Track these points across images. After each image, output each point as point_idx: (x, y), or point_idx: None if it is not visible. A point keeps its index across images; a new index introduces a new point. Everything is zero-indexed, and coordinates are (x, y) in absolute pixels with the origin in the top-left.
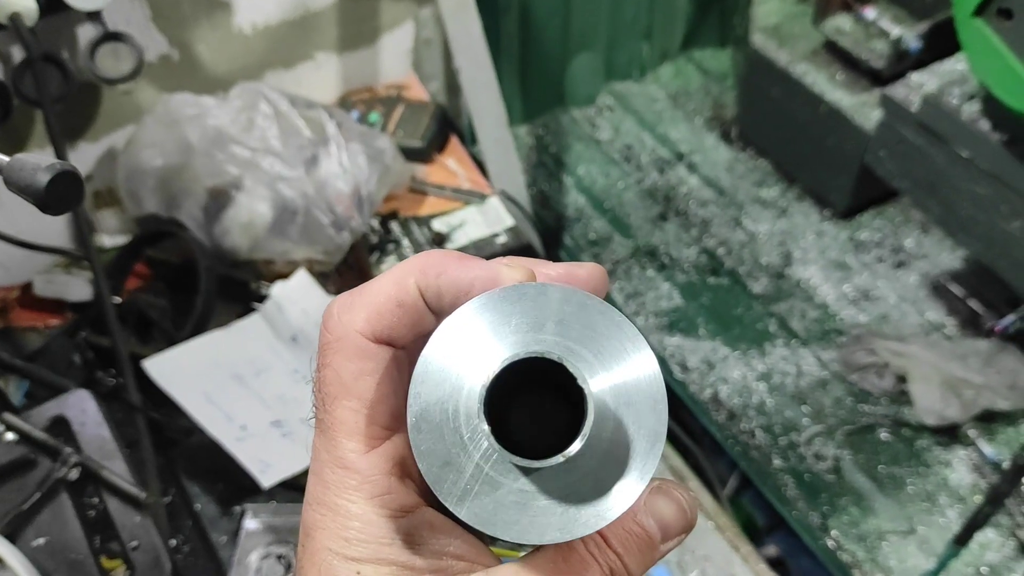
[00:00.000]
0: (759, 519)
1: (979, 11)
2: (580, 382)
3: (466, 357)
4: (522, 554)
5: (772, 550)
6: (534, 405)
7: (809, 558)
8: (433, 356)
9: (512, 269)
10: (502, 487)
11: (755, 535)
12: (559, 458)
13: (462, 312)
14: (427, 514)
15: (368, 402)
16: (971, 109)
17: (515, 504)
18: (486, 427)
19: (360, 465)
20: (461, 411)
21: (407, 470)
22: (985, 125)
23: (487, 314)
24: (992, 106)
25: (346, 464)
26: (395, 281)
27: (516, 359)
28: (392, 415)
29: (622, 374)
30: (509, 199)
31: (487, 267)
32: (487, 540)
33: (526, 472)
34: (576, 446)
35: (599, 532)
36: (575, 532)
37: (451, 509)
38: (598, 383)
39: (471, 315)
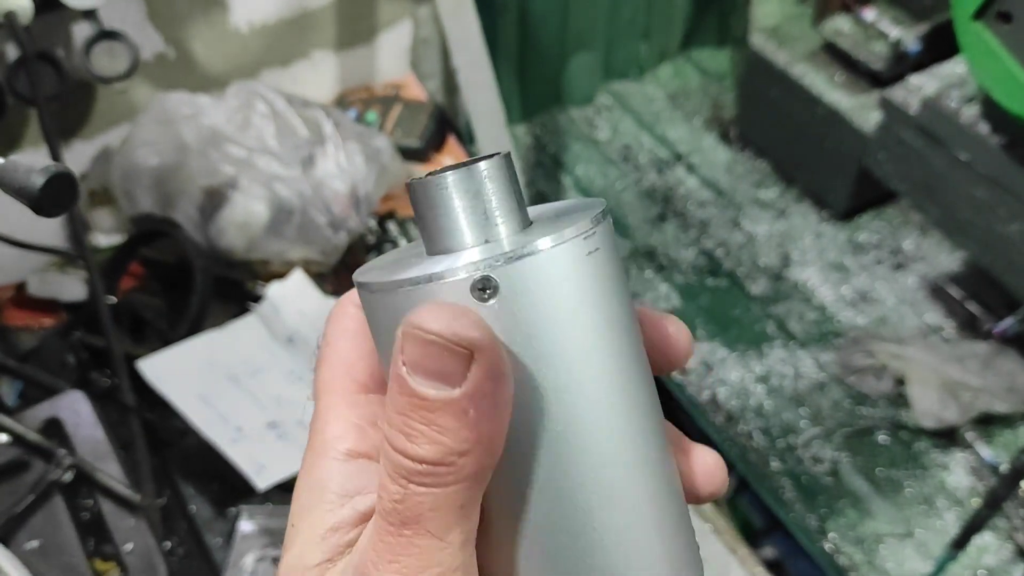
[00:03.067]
0: (757, 521)
1: (979, 14)
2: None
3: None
4: None
5: (769, 552)
6: None
7: (807, 561)
8: None
9: None
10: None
11: (752, 537)
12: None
13: None
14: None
15: (346, 359)
16: (970, 112)
17: (400, 262)
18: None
19: (329, 416)
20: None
21: (371, 424)
22: (984, 128)
23: None
24: (992, 109)
25: (318, 419)
26: None
27: (450, 165)
28: (371, 373)
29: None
30: None
31: None
32: None
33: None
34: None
35: None
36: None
37: (360, 284)
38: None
39: None
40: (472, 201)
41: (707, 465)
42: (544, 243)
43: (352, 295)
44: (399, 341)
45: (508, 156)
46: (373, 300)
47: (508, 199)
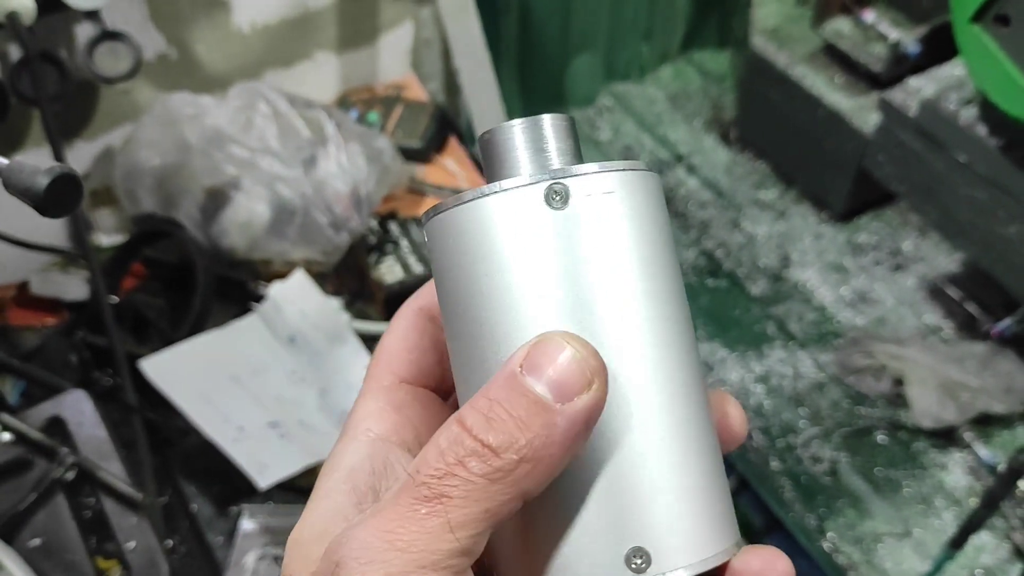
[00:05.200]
0: (756, 521)
1: (977, 17)
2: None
3: None
4: None
5: None
6: None
7: (806, 560)
8: None
9: None
10: None
11: (752, 537)
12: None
13: None
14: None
15: (390, 351)
16: (968, 114)
17: None
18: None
19: (359, 402)
20: None
21: (395, 409)
22: (982, 130)
23: None
24: (990, 112)
25: (353, 406)
26: None
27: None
28: (410, 365)
29: None
30: None
31: None
32: None
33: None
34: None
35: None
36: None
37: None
38: None
39: None
40: (521, 146)
41: (731, 411)
42: (560, 173)
43: (411, 301)
44: (528, 345)
45: (559, 117)
46: (431, 227)
47: (522, 152)
